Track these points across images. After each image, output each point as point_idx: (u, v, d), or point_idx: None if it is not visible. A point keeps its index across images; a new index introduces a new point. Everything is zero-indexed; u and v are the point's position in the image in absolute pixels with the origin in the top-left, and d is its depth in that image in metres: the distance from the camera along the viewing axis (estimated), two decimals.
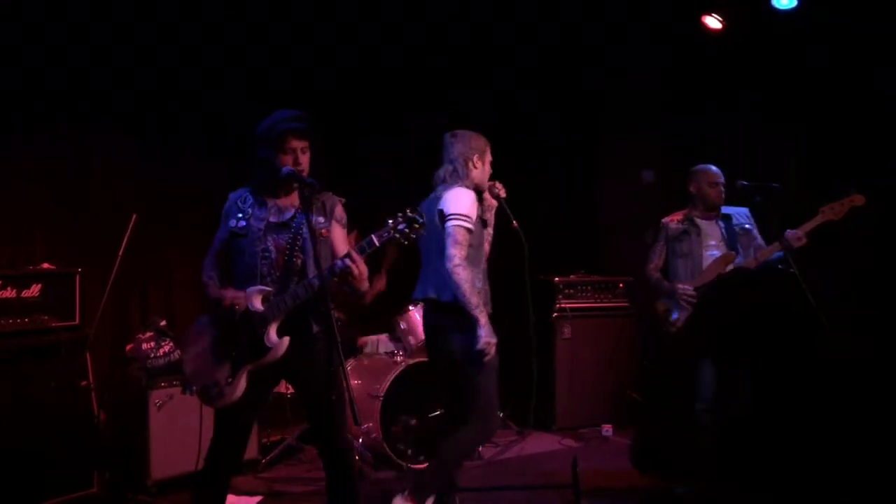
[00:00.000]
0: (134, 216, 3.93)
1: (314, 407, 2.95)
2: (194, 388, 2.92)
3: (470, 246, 3.28)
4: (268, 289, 2.84)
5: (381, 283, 5.00)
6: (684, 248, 4.14)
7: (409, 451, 4.48)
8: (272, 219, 2.91)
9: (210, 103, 5.11)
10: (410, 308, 4.88)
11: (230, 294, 2.85)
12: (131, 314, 4.85)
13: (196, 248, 4.33)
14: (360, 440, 4.45)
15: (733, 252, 4.01)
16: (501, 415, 3.40)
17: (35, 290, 3.83)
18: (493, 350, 3.23)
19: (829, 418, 3.76)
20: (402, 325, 4.90)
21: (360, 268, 2.76)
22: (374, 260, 3.78)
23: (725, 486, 3.88)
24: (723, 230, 4.09)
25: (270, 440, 4.78)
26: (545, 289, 5.55)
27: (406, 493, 3.25)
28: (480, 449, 4.71)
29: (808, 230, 3.80)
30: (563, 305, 5.55)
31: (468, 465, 4.51)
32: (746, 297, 3.93)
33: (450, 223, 3.25)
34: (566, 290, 5.60)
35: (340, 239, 2.99)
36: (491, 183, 3.54)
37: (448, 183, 3.40)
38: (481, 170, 3.47)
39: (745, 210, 4.17)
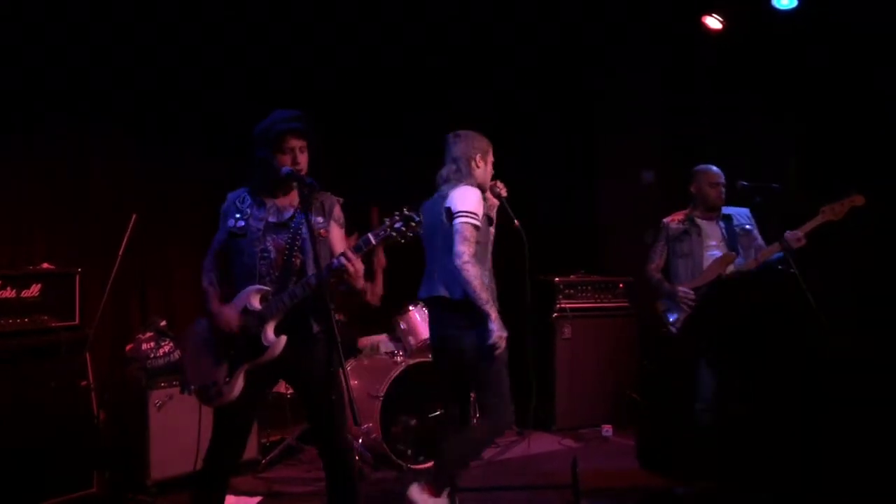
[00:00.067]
0: (134, 216, 3.92)
1: (314, 407, 2.95)
2: (193, 387, 2.92)
3: (477, 243, 3.31)
4: (266, 288, 2.84)
5: (379, 286, 4.99)
6: (685, 248, 4.14)
7: (409, 452, 4.48)
8: (271, 219, 2.91)
9: (210, 103, 5.11)
10: (410, 308, 4.88)
11: (225, 317, 2.85)
12: (131, 314, 4.85)
13: (196, 248, 4.33)
14: (360, 440, 4.45)
15: (733, 252, 4.02)
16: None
17: (35, 290, 3.83)
18: (504, 343, 3.28)
19: (829, 418, 3.75)
20: (402, 326, 4.90)
21: (356, 266, 2.77)
22: (367, 262, 3.80)
23: (725, 486, 3.88)
24: (723, 230, 4.10)
25: (270, 440, 4.78)
26: (545, 289, 5.55)
27: (424, 483, 3.30)
28: None
29: (808, 230, 3.81)
30: (563, 305, 5.55)
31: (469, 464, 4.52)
32: (746, 297, 3.93)
33: (458, 220, 3.28)
34: (566, 290, 5.60)
35: (339, 239, 2.99)
36: (492, 183, 3.58)
37: (452, 182, 3.43)
38: (484, 169, 3.51)
39: (745, 211, 4.17)
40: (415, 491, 3.29)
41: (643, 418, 4.69)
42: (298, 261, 2.88)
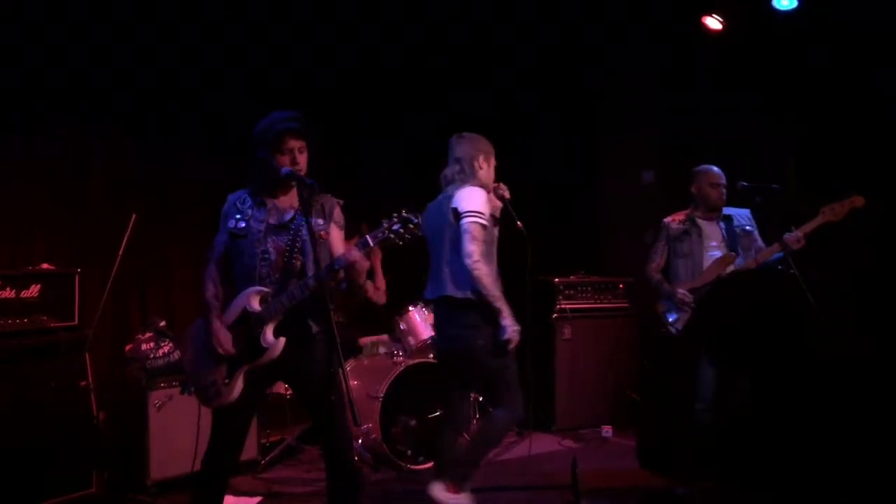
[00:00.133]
0: (134, 216, 3.92)
1: (314, 408, 2.95)
2: (192, 388, 2.92)
3: (483, 242, 3.34)
4: (265, 289, 2.84)
5: (380, 280, 4.98)
6: (685, 248, 4.14)
7: (409, 452, 4.47)
8: (272, 220, 2.92)
9: (210, 103, 5.11)
10: (410, 308, 4.88)
11: (222, 338, 2.84)
12: (131, 314, 4.85)
13: (196, 248, 4.34)
14: (360, 441, 4.45)
15: (733, 253, 4.02)
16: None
17: (34, 290, 3.82)
18: (517, 337, 3.34)
19: (829, 418, 3.75)
20: (402, 326, 4.90)
21: (362, 263, 2.79)
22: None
23: (725, 486, 3.88)
24: (724, 231, 4.10)
25: (270, 441, 4.78)
26: (545, 289, 5.55)
27: (444, 481, 3.35)
28: None
29: (807, 231, 3.81)
30: (563, 306, 5.55)
31: None
32: (746, 297, 3.93)
33: (465, 220, 3.31)
34: (566, 291, 5.60)
35: (338, 241, 3.00)
36: (496, 185, 3.61)
37: (457, 182, 3.46)
38: (487, 171, 3.54)
39: (746, 211, 4.17)
40: (437, 489, 3.34)
41: (643, 418, 4.69)
42: (299, 262, 2.88)
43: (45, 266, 4.01)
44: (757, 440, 3.93)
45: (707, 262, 4.06)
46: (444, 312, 3.51)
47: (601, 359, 5.55)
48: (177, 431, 4.04)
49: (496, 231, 3.56)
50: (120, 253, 3.89)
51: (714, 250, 4.08)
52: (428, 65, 5.86)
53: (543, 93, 6.40)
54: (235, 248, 2.92)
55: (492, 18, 5.62)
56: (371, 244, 2.77)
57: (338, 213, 3.03)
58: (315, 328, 2.90)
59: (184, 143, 5.12)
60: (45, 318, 3.81)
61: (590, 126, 6.69)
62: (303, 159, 2.91)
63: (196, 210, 4.96)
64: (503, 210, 3.64)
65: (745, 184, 3.98)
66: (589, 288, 5.68)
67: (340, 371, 2.60)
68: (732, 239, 4.06)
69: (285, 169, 2.85)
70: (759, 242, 4.11)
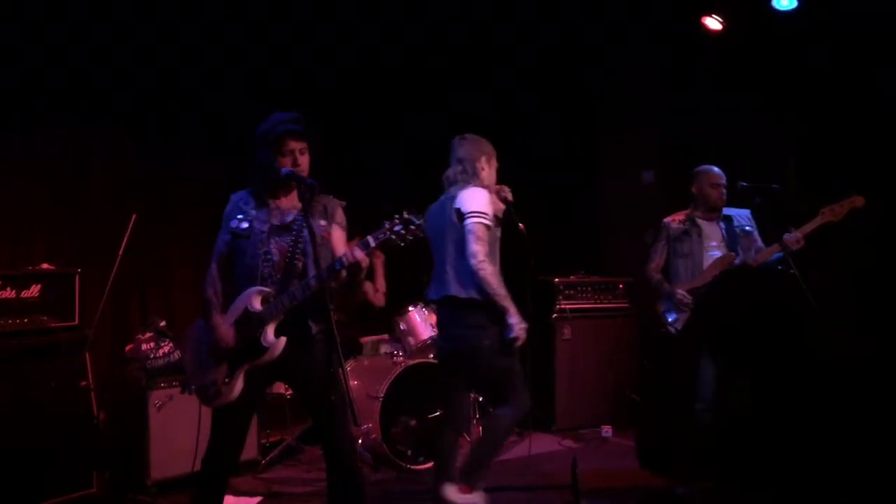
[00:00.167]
0: (134, 216, 3.92)
1: (313, 408, 2.96)
2: (193, 387, 2.93)
3: (487, 242, 3.36)
4: (267, 290, 2.85)
5: (381, 282, 4.99)
6: (685, 248, 4.15)
7: (409, 452, 4.48)
8: (274, 221, 2.92)
9: (210, 103, 5.11)
10: (410, 308, 4.88)
11: (223, 333, 2.85)
12: (131, 314, 4.85)
13: (196, 248, 4.34)
14: (360, 441, 4.45)
15: (733, 253, 4.02)
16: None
17: (35, 290, 3.83)
18: (525, 335, 3.35)
19: (829, 418, 3.75)
20: (402, 326, 4.90)
21: (364, 262, 2.80)
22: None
23: (725, 486, 3.88)
24: (724, 231, 4.10)
25: (270, 441, 4.77)
26: (545, 289, 5.55)
27: (457, 482, 3.37)
28: None
29: (807, 232, 3.81)
30: (563, 306, 5.55)
31: None
32: (746, 297, 3.94)
33: (469, 220, 3.32)
34: (566, 291, 5.60)
35: (340, 242, 3.00)
36: (499, 187, 3.61)
37: (460, 183, 3.47)
38: (489, 172, 3.55)
39: (746, 212, 4.18)
40: (450, 491, 3.36)
41: (643, 418, 4.69)
42: (301, 263, 2.88)
43: (45, 266, 4.01)
44: (757, 440, 3.93)
45: (707, 263, 4.06)
46: (447, 312, 3.52)
47: (601, 359, 5.55)
48: (177, 431, 4.04)
49: (499, 232, 3.57)
50: (120, 253, 3.89)
51: (714, 250, 4.08)
52: (428, 65, 5.86)
53: (543, 93, 6.40)
54: (237, 248, 2.93)
55: (492, 18, 5.63)
56: (372, 244, 2.78)
57: (340, 215, 3.04)
58: (315, 328, 2.91)
59: (184, 143, 5.12)
60: (45, 318, 3.81)
61: (590, 126, 6.69)
62: (304, 161, 2.92)
63: (196, 210, 4.96)
64: (506, 212, 3.65)
65: (744, 184, 3.98)
66: (589, 288, 5.68)
67: (340, 371, 2.61)
68: (732, 239, 4.06)
69: (285, 169, 2.86)
70: (759, 243, 4.11)
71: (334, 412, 2.84)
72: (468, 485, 3.37)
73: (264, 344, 2.81)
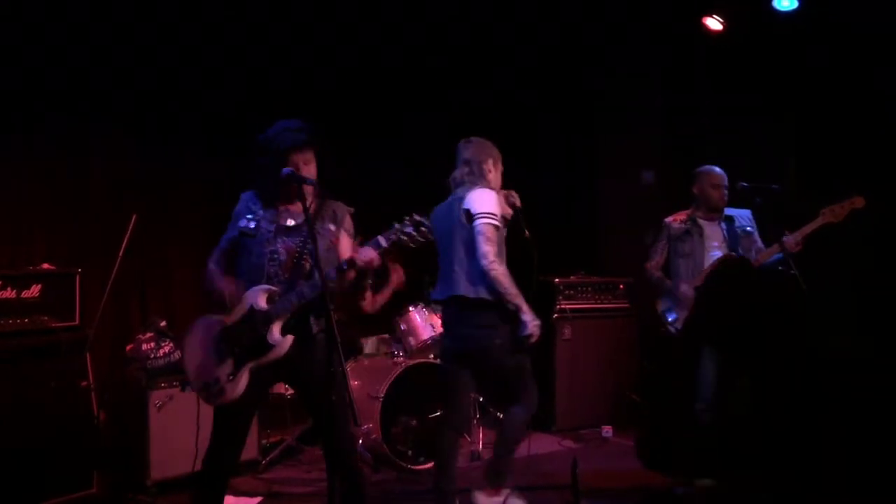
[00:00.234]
0: (134, 216, 3.92)
1: (314, 408, 2.96)
2: (195, 385, 2.92)
3: (496, 243, 3.38)
4: (273, 288, 2.85)
5: (398, 277, 4.94)
6: (686, 248, 4.15)
7: (409, 453, 4.47)
8: (283, 222, 2.93)
9: (210, 103, 5.10)
10: (410, 309, 4.87)
11: (229, 292, 2.85)
12: (131, 314, 4.85)
13: (196, 248, 4.34)
14: (360, 441, 4.45)
15: (733, 254, 4.02)
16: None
17: (35, 290, 3.82)
18: (538, 332, 3.39)
19: (829, 418, 3.76)
20: (403, 326, 4.90)
21: (377, 262, 2.83)
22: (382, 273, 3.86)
23: (726, 485, 3.88)
24: (725, 232, 4.11)
25: (270, 441, 4.77)
26: (545, 290, 5.55)
27: (484, 487, 3.48)
28: (480, 449, 4.72)
29: (807, 233, 3.82)
30: (563, 306, 5.54)
31: (469, 465, 4.52)
32: (747, 297, 3.94)
33: (478, 221, 3.35)
34: (566, 291, 5.60)
35: (347, 249, 3.01)
36: (506, 192, 3.62)
37: (467, 184, 3.49)
38: (496, 175, 3.58)
39: (747, 212, 4.18)
40: (480, 498, 3.50)
41: (643, 418, 4.69)
42: (308, 264, 2.89)
43: (45, 266, 4.01)
44: (757, 440, 3.94)
45: (708, 262, 4.07)
46: (454, 312, 3.53)
47: (601, 359, 5.55)
48: (177, 431, 4.04)
49: (505, 233, 3.59)
50: (120, 253, 3.89)
51: (715, 251, 4.09)
52: (428, 65, 5.86)
53: (543, 93, 6.40)
54: (243, 246, 2.94)
55: (492, 18, 5.63)
56: (384, 245, 2.79)
57: (348, 222, 3.05)
58: (316, 328, 2.91)
59: (184, 143, 5.11)
60: (45, 318, 3.81)
61: (590, 126, 6.69)
62: (309, 171, 2.92)
63: (196, 210, 4.96)
64: (514, 217, 3.66)
65: (745, 184, 3.99)
66: (589, 288, 5.68)
67: (341, 371, 2.61)
68: (733, 240, 4.07)
69: (286, 169, 2.86)
70: (759, 244, 4.11)
71: (335, 412, 2.84)
72: (496, 487, 3.48)
73: (270, 341, 2.81)
